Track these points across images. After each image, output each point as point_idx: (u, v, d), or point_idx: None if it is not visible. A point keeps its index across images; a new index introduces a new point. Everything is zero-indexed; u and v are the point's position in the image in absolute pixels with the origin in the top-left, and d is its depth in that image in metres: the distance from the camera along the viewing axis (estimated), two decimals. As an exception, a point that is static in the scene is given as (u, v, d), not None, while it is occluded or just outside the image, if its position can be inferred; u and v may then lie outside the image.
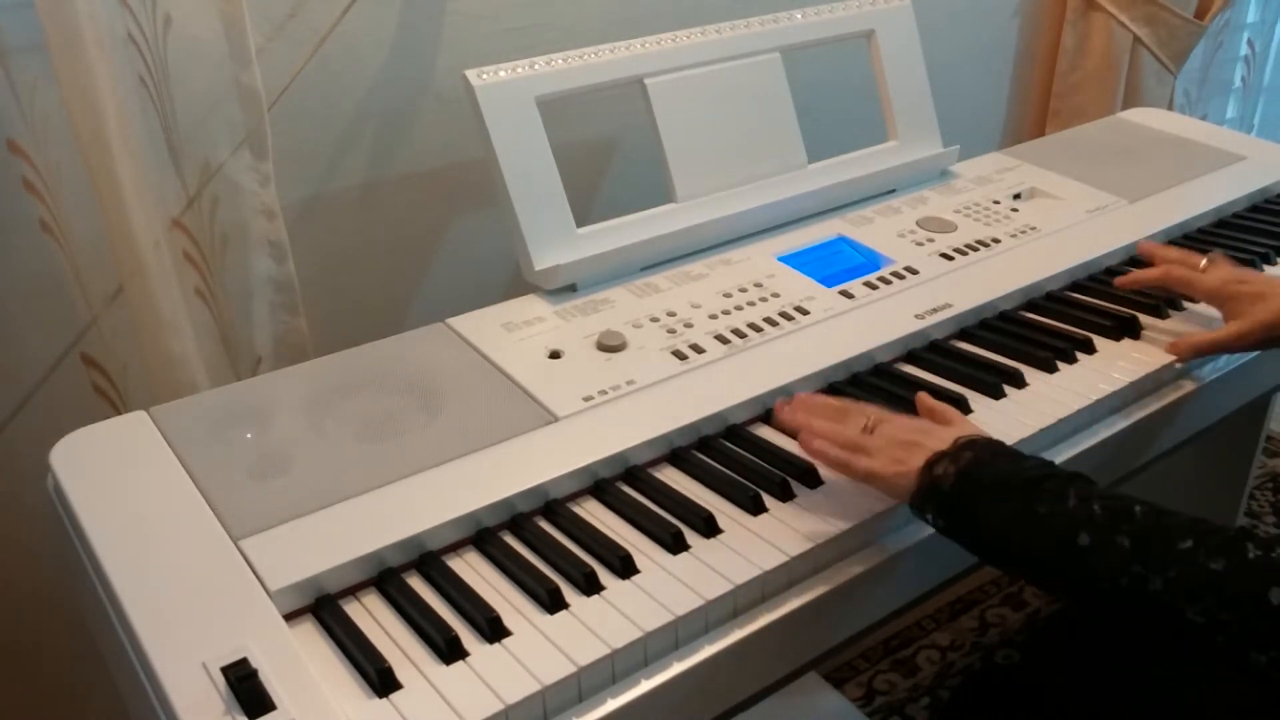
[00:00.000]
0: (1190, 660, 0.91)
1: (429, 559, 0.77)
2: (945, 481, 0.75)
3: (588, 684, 0.69)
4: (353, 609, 0.73)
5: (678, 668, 0.71)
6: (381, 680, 0.66)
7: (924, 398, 0.88)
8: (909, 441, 0.79)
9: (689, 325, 1.02)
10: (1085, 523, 0.70)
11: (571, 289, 1.08)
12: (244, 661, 0.65)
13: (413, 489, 0.81)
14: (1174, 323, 1.06)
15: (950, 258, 1.15)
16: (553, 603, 0.73)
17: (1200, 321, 1.05)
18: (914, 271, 1.12)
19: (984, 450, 0.77)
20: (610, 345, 0.98)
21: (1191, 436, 1.07)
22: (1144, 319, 1.06)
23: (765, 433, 0.92)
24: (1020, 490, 0.73)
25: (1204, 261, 1.00)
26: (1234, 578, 0.65)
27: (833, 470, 0.83)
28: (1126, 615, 0.70)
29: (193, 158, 1.07)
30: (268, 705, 0.63)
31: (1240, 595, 0.64)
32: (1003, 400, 0.95)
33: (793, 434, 0.87)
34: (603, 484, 0.85)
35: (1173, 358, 0.99)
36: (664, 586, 0.74)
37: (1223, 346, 0.97)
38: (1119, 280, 1.06)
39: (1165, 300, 1.10)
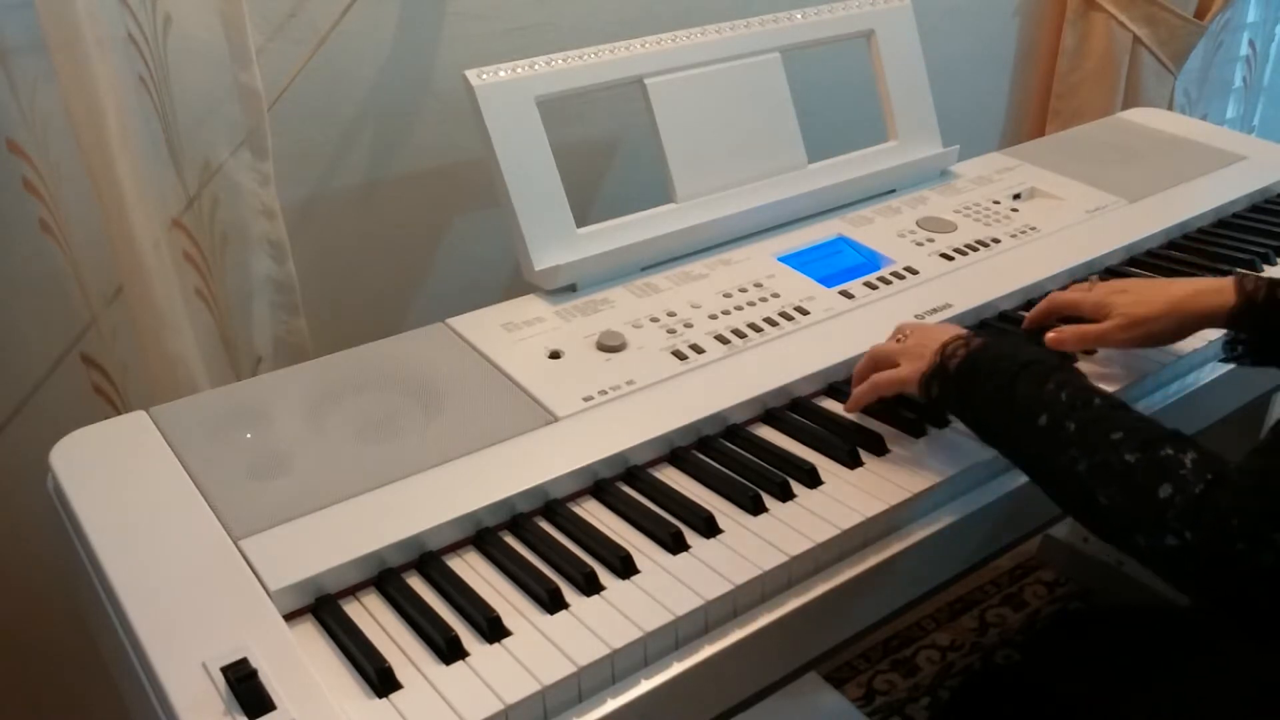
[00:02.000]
0: (1189, 661, 0.91)
1: (429, 559, 0.77)
2: (953, 362, 0.83)
3: (588, 684, 0.69)
4: (353, 609, 0.73)
5: (678, 668, 0.71)
6: (381, 680, 0.66)
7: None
8: (933, 338, 0.86)
9: (689, 325, 1.02)
10: (1048, 405, 0.76)
11: (571, 289, 1.08)
12: (244, 661, 0.65)
13: (413, 489, 0.81)
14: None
15: (950, 258, 1.15)
16: (553, 603, 0.73)
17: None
18: (914, 271, 1.12)
19: (993, 335, 0.84)
20: (610, 345, 0.98)
21: (1192, 436, 1.07)
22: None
23: (765, 433, 0.92)
24: (1009, 371, 0.80)
25: (1089, 285, 1.03)
26: (1139, 470, 0.70)
27: (875, 394, 0.90)
28: (1055, 494, 0.78)
29: (193, 158, 1.07)
30: (268, 705, 0.63)
31: (1138, 485, 0.70)
32: (1003, 400, 0.95)
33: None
34: (603, 484, 0.85)
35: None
36: (664, 586, 0.74)
37: (1102, 337, 0.97)
38: (1024, 324, 1.05)
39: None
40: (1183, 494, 0.68)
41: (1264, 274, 0.96)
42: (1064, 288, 1.14)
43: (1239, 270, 0.95)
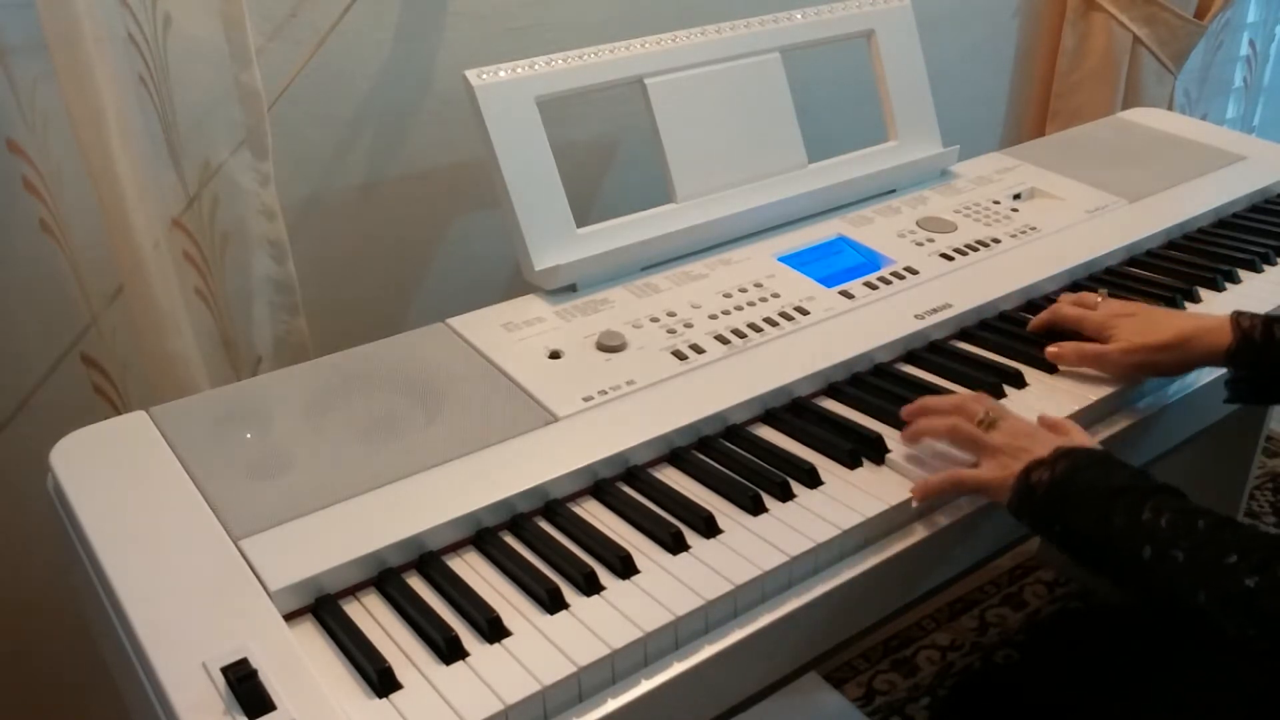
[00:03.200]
0: (1188, 661, 0.91)
1: (429, 559, 0.77)
2: (1040, 489, 0.79)
3: (588, 684, 0.69)
4: (353, 609, 0.73)
5: (678, 668, 0.71)
6: (381, 680, 0.66)
7: (1045, 416, 0.90)
8: (1018, 448, 0.83)
9: (689, 325, 1.02)
10: (1150, 536, 0.74)
11: (571, 289, 1.08)
12: (244, 661, 0.65)
13: (413, 489, 0.81)
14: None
15: (950, 258, 1.15)
16: (553, 603, 0.73)
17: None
18: (914, 271, 1.12)
19: (1081, 459, 0.80)
20: (610, 345, 0.98)
21: (1191, 436, 1.07)
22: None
23: (765, 433, 0.92)
24: (1102, 500, 0.77)
25: (1098, 299, 1.03)
26: (1262, 594, 0.68)
27: (953, 493, 0.85)
28: (1183, 625, 0.77)
29: (193, 158, 1.07)
30: (268, 705, 0.63)
31: (1265, 611, 0.67)
32: (1003, 401, 0.95)
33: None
34: (603, 484, 0.85)
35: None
36: (664, 586, 0.74)
37: (1105, 359, 0.97)
38: (1029, 327, 1.05)
39: (1169, 298, 1.10)
40: None
41: (1260, 313, 0.95)
42: (1068, 287, 1.14)
43: (1237, 310, 0.95)
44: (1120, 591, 0.78)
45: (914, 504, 0.84)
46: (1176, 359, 0.95)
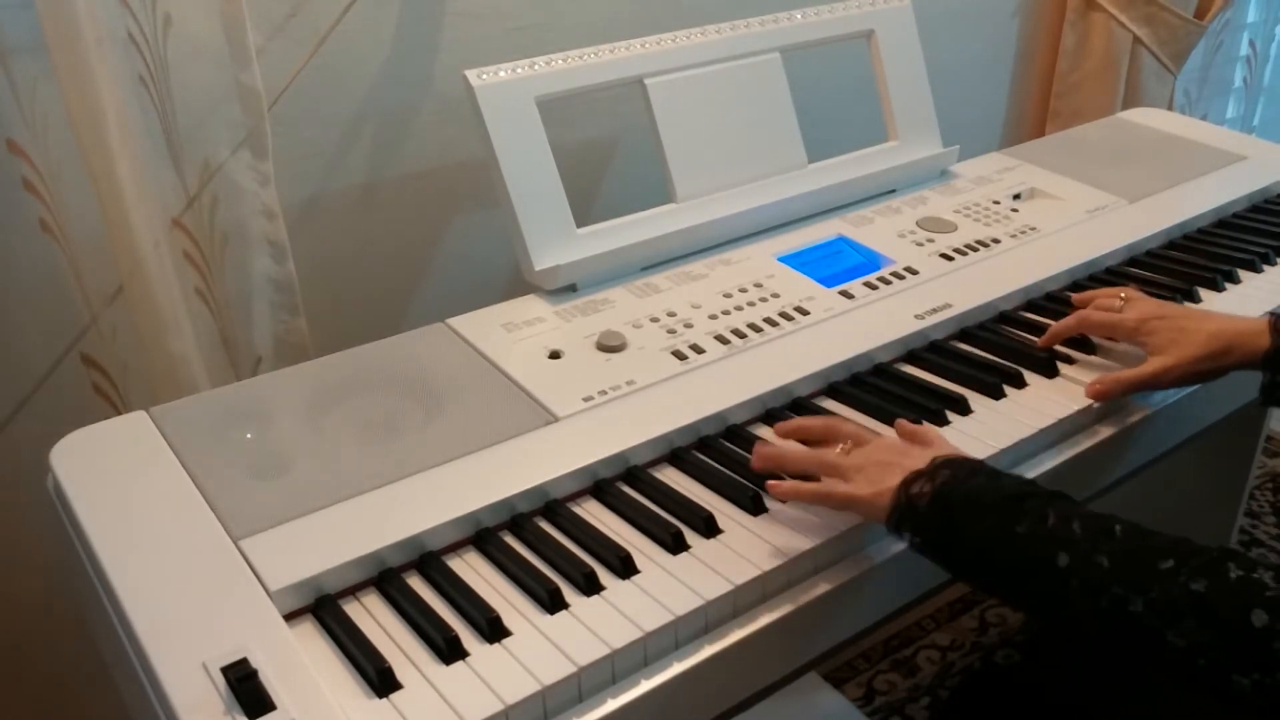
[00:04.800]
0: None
1: (429, 559, 0.77)
2: (921, 500, 0.74)
3: (588, 684, 0.69)
4: (353, 609, 0.73)
5: (678, 668, 0.71)
6: (381, 680, 0.66)
7: (902, 423, 0.86)
8: (886, 462, 0.78)
9: (689, 325, 1.02)
10: (1064, 542, 0.68)
11: (571, 289, 1.08)
12: (244, 661, 0.65)
13: (413, 489, 0.81)
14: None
15: (950, 258, 1.15)
16: (553, 603, 0.73)
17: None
18: (914, 271, 1.12)
19: (961, 469, 0.75)
20: (610, 345, 0.98)
21: (1191, 436, 1.07)
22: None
23: (765, 433, 0.92)
24: (998, 508, 0.72)
25: (1120, 300, 0.99)
26: (1215, 598, 0.63)
27: (811, 503, 0.81)
28: (1106, 638, 0.68)
29: (193, 158, 1.07)
30: (268, 705, 0.63)
31: (1221, 617, 0.62)
32: (1003, 400, 0.95)
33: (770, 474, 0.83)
34: (603, 484, 0.85)
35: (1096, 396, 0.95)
36: (664, 586, 0.74)
37: (1146, 384, 0.94)
38: (1041, 340, 1.02)
39: (1169, 298, 1.10)
40: None
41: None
42: (1069, 287, 1.14)
43: (1246, 271, 0.93)
44: (1017, 608, 0.72)
45: (775, 496, 0.81)
46: (1215, 366, 0.92)
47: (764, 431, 0.92)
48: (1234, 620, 0.62)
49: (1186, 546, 0.66)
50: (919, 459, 0.77)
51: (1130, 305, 0.99)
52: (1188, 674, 0.64)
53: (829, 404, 0.96)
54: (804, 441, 0.86)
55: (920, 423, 0.90)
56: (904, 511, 0.75)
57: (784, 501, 0.82)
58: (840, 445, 0.82)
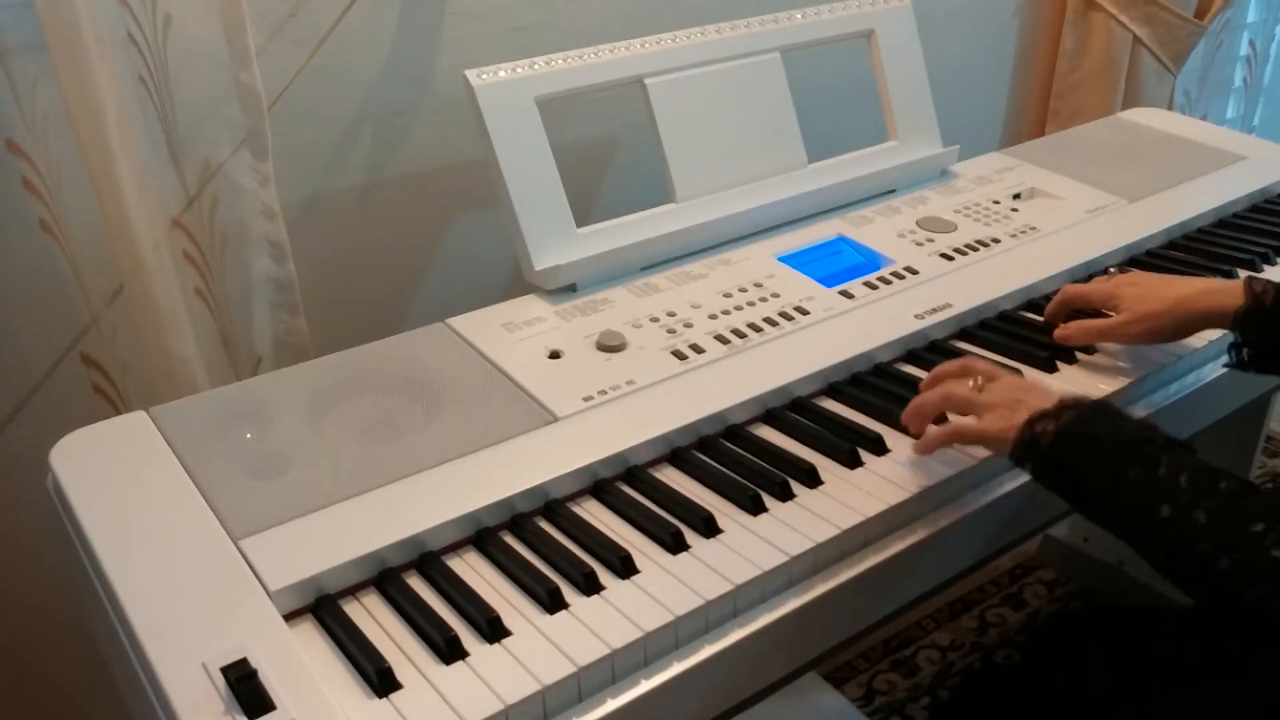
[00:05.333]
0: (1189, 661, 0.91)
1: (429, 559, 0.77)
2: (1045, 439, 0.78)
3: (588, 684, 0.69)
4: (353, 609, 0.73)
5: (678, 668, 0.71)
6: (381, 680, 0.66)
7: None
8: (1015, 400, 0.82)
9: (689, 325, 1.02)
10: (1169, 494, 0.72)
11: (571, 289, 1.08)
12: (244, 661, 0.65)
13: (413, 489, 0.81)
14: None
15: (950, 258, 1.15)
16: (553, 603, 0.73)
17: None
18: (914, 271, 1.12)
19: (1086, 410, 0.79)
20: (610, 345, 0.98)
21: (1191, 436, 1.07)
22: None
23: (765, 433, 0.92)
24: (1114, 453, 0.75)
25: (1108, 273, 1.03)
26: None
27: (948, 444, 0.86)
28: (1192, 587, 0.72)
29: (193, 158, 1.07)
30: (268, 705, 0.63)
31: None
32: (1003, 400, 0.95)
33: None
34: (603, 484, 0.85)
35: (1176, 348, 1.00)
36: (664, 586, 0.74)
37: (1111, 334, 0.98)
38: (1046, 313, 1.06)
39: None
40: None
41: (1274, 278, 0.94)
42: (1086, 279, 1.14)
43: (1247, 272, 0.95)
44: (1125, 544, 0.76)
45: (917, 454, 0.86)
46: (1175, 323, 0.95)
47: (764, 431, 0.92)
48: None
49: (1277, 511, 0.69)
50: (1046, 399, 0.81)
51: (1114, 278, 1.02)
52: (1261, 633, 0.69)
53: (829, 404, 0.96)
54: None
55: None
56: (1027, 447, 0.79)
57: (922, 453, 0.86)
58: (972, 381, 0.86)
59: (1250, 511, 0.69)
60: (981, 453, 0.87)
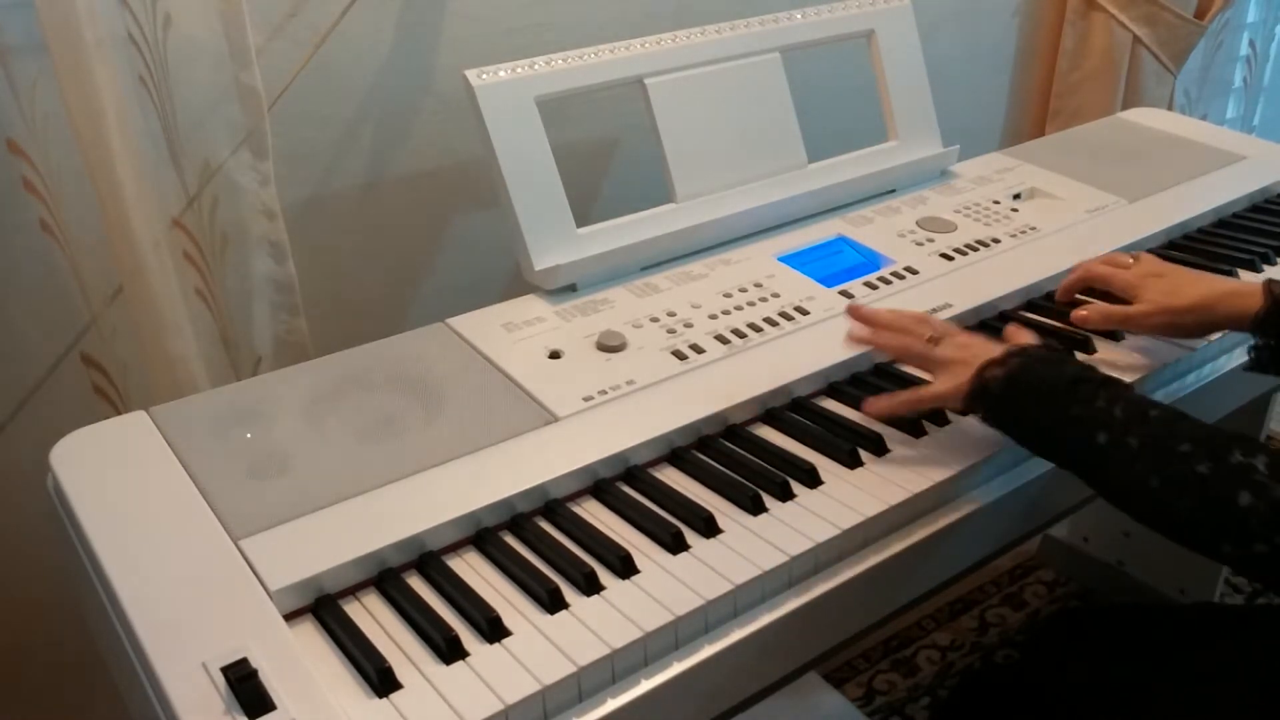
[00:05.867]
0: (1189, 660, 0.91)
1: (429, 559, 0.77)
2: (993, 384, 0.83)
3: (588, 684, 0.69)
4: (353, 609, 0.73)
5: (678, 668, 0.71)
6: (381, 680, 0.66)
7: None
8: (968, 358, 0.86)
9: (689, 325, 1.02)
10: (1105, 423, 0.77)
11: (571, 289, 1.08)
12: (244, 661, 0.65)
13: (413, 489, 0.81)
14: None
15: (950, 258, 1.15)
16: (553, 603, 0.73)
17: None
18: (914, 271, 1.12)
19: (1032, 355, 0.84)
20: (610, 345, 0.98)
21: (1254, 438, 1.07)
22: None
23: (765, 433, 0.92)
24: (1057, 391, 0.80)
25: (1130, 259, 1.02)
26: (1213, 480, 0.72)
27: (906, 413, 0.90)
28: (1130, 507, 0.78)
29: (193, 158, 1.07)
30: (268, 705, 0.63)
31: (1215, 497, 0.71)
32: (1003, 400, 0.95)
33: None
34: (603, 484, 0.85)
35: (1180, 346, 1.01)
36: (664, 586, 0.74)
37: (1128, 321, 0.98)
38: (1057, 295, 1.07)
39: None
40: (1264, 500, 0.70)
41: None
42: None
43: (1248, 272, 0.95)
44: (1074, 476, 0.81)
45: (867, 412, 0.91)
46: (1199, 321, 0.95)
47: (764, 431, 0.92)
48: (1224, 500, 0.71)
49: (1206, 432, 0.75)
50: (996, 348, 0.86)
51: (1137, 264, 1.01)
52: (1192, 543, 0.74)
53: (829, 404, 0.96)
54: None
55: (920, 420, 0.90)
56: (978, 394, 0.84)
57: (881, 419, 0.90)
58: (930, 334, 0.90)
59: (1178, 435, 0.75)
60: (980, 451, 0.87)
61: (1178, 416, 0.77)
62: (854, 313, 0.96)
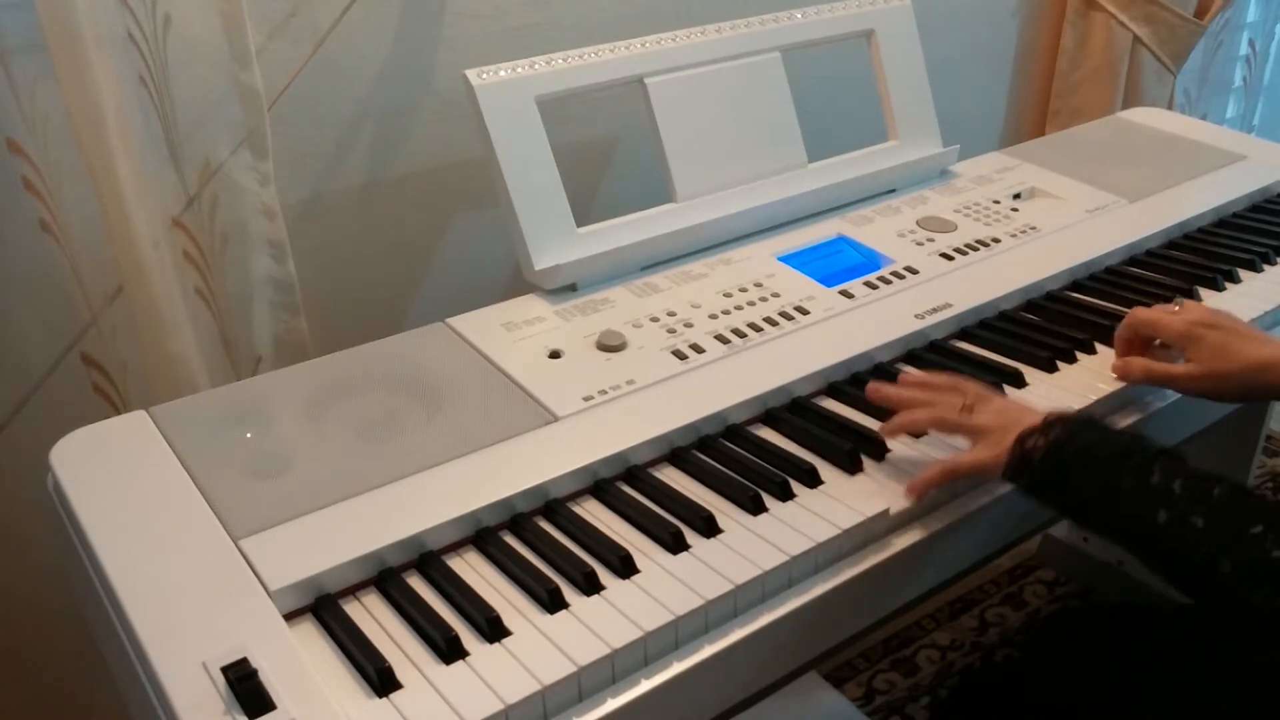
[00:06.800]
0: (1189, 660, 0.91)
1: (429, 559, 0.77)
2: (1035, 455, 0.79)
3: (588, 684, 0.69)
4: (353, 609, 0.73)
5: (678, 668, 0.71)
6: (381, 680, 0.66)
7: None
8: (1004, 426, 0.82)
9: (689, 325, 1.02)
10: (1164, 500, 0.72)
11: (571, 289, 1.08)
12: (244, 661, 0.65)
13: (413, 489, 0.81)
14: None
15: (950, 257, 1.15)
16: (553, 603, 0.73)
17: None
18: (914, 271, 1.12)
19: (1073, 424, 0.80)
20: (610, 345, 0.98)
21: (1191, 436, 1.07)
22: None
23: (765, 433, 0.92)
24: (1106, 464, 0.76)
25: (1176, 306, 0.97)
26: None
27: (949, 480, 0.84)
28: (1197, 593, 0.73)
29: (193, 158, 1.07)
30: (268, 705, 0.63)
31: None
32: (1003, 400, 0.95)
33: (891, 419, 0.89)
34: (603, 484, 0.85)
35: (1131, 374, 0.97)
36: (664, 586, 0.74)
37: (1174, 383, 0.94)
38: (1115, 365, 0.99)
39: (1169, 298, 1.10)
40: None
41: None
42: (1069, 286, 1.14)
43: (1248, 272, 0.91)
44: (1127, 553, 0.77)
45: (910, 502, 0.83)
46: (1246, 385, 0.90)
47: (764, 431, 0.92)
48: None
49: (1274, 512, 0.69)
50: (1035, 416, 0.82)
51: (1184, 310, 0.96)
52: (1268, 634, 0.69)
53: (829, 404, 0.96)
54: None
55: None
56: (1019, 465, 0.80)
57: (919, 498, 0.83)
58: (963, 402, 0.85)
59: (1248, 514, 0.70)
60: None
61: (1242, 493, 0.72)
62: (874, 395, 0.90)
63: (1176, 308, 0.96)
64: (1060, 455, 0.78)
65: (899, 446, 0.89)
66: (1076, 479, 0.77)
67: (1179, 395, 1.00)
